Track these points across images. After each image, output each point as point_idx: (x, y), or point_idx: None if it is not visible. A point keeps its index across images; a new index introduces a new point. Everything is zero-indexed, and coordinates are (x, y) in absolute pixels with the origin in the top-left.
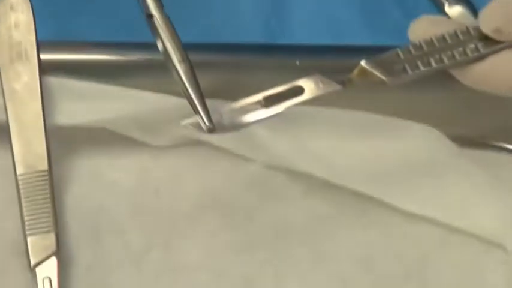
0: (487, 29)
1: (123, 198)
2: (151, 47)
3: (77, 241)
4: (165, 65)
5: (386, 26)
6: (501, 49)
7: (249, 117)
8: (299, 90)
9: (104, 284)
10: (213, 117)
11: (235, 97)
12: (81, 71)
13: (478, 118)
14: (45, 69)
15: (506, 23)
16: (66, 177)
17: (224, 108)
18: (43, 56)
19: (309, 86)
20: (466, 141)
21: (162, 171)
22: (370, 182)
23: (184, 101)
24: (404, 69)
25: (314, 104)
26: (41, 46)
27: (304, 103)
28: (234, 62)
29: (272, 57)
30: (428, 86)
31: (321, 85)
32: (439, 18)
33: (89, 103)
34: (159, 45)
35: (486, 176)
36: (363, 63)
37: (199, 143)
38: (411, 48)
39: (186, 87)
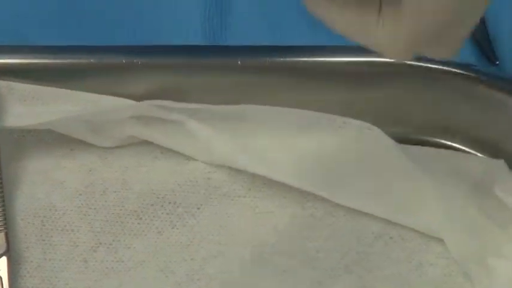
0: None
1: (72, 198)
2: (98, 50)
3: (27, 240)
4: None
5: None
6: None
7: None
8: None
9: (53, 282)
10: None
11: (179, 99)
12: (29, 75)
13: (415, 116)
14: None
15: None
16: (15, 178)
17: None
18: None
19: None
20: (404, 137)
21: (109, 172)
22: (311, 178)
23: (129, 103)
24: None
25: (254, 102)
26: None
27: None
28: (175, 64)
29: (214, 58)
30: (367, 85)
31: None
32: None
33: (36, 106)
34: None
35: (424, 171)
36: None
37: (144, 143)
38: None
39: None
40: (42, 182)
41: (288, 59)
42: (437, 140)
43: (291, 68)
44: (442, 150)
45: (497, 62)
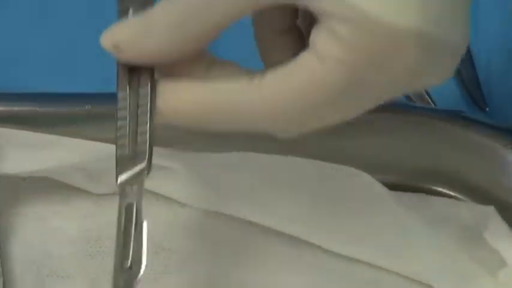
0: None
1: (67, 245)
2: (93, 97)
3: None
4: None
5: None
6: None
7: None
8: None
9: None
10: None
11: (173, 145)
12: (25, 121)
13: (404, 162)
14: None
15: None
16: (11, 225)
17: None
18: None
19: None
20: (393, 184)
21: (104, 218)
22: (302, 224)
23: None
24: None
25: (243, 149)
26: None
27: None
28: None
29: None
30: (356, 132)
31: None
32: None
33: (32, 152)
34: None
35: (415, 218)
36: None
37: None
38: None
39: None
40: (38, 229)
41: None
42: (427, 186)
43: None
44: (432, 197)
45: (487, 109)
